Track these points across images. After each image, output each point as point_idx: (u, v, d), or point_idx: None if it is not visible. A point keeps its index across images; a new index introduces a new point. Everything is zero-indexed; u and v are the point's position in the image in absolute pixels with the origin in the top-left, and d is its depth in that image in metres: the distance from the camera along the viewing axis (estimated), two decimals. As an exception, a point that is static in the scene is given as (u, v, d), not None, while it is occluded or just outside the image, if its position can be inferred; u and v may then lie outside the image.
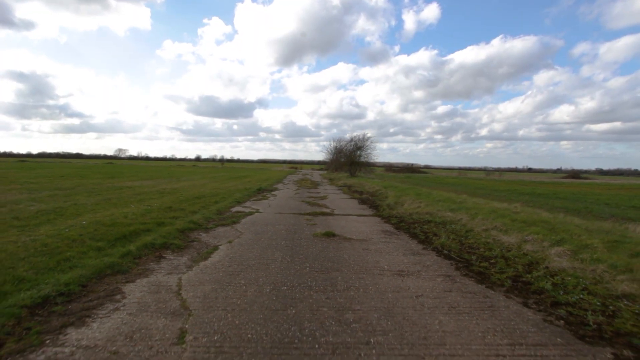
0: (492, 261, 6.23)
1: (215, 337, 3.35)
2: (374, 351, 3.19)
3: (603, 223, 9.18)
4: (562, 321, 3.95)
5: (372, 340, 3.39)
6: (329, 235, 8.25)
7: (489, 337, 3.53)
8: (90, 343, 3.18)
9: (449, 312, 4.12)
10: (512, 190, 29.47)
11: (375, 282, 5.07)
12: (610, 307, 4.24)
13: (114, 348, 3.11)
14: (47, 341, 3.18)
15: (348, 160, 53.33)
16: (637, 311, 4.09)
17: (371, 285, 4.93)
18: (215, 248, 6.76)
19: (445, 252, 6.97)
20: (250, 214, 11.38)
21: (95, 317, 3.70)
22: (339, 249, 6.97)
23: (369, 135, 56.56)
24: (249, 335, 3.41)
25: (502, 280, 5.28)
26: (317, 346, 3.25)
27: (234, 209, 12.21)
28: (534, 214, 10.24)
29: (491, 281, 5.27)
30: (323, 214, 11.92)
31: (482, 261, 6.25)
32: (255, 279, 5.07)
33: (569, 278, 5.19)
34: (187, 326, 3.55)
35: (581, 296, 4.57)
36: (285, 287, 4.75)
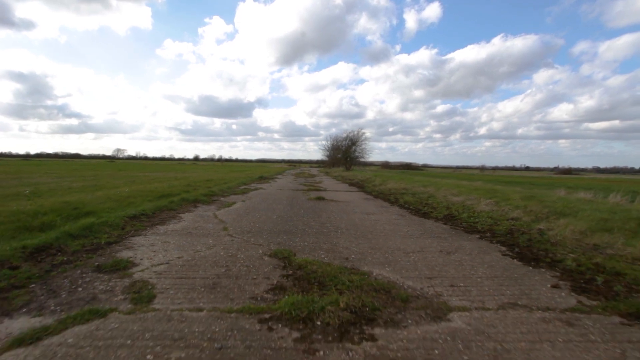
0: (437, 209, 8.51)
1: (245, 229, 5.62)
2: (339, 234, 5.46)
3: (538, 190, 11.47)
4: (462, 229, 6.23)
5: (338, 231, 5.67)
6: (320, 199, 10.52)
7: (411, 231, 5.82)
8: (173, 229, 5.44)
9: (391, 225, 6.40)
10: (493, 180, 31.84)
11: (348, 216, 7.34)
12: (498, 223, 6.53)
13: (188, 230, 5.37)
14: (147, 229, 5.43)
15: (344, 155, 55.68)
16: (512, 224, 6.38)
17: (345, 217, 7.21)
18: (234, 203, 9.02)
19: (406, 206, 9.26)
20: (256, 189, 13.65)
21: (169, 223, 5.96)
22: (326, 205, 9.24)
23: (363, 130, 58.99)
24: (265, 228, 5.69)
25: (437, 216, 7.57)
26: (305, 233, 5.52)
27: (241, 187, 14.45)
28: (488, 186, 12.54)
29: (430, 216, 7.56)
30: (317, 189, 14.20)
31: (430, 209, 8.55)
32: (265, 213, 7.33)
33: (483, 213, 7.47)
34: (227, 226, 5.83)
35: (483, 219, 6.86)
36: (286, 216, 7.02)
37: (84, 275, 3.26)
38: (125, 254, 3.95)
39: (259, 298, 2.81)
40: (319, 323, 2.37)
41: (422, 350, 2.07)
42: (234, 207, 8.19)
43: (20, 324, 2.29)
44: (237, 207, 8.22)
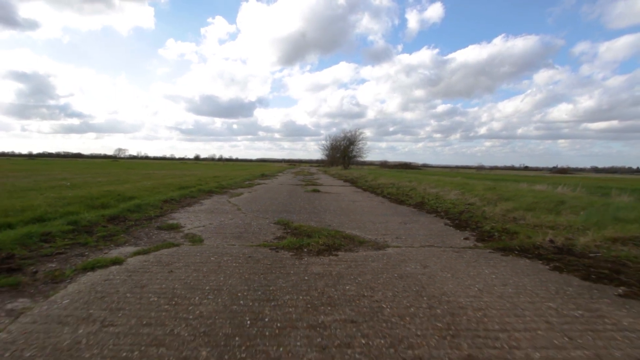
0: (413, 198, 10.14)
1: (254, 209, 7.25)
2: (327, 213, 7.09)
3: (504, 184, 13.09)
4: (425, 211, 7.86)
5: (327, 212, 7.30)
6: (315, 191, 12.17)
7: (384, 212, 7.45)
8: (200, 209, 7.07)
9: (370, 208, 8.03)
10: (482, 177, 33.48)
11: (337, 203, 8.98)
12: (455, 207, 8.14)
13: (211, 210, 7.00)
14: (180, 209, 7.06)
15: (342, 154, 57.34)
16: (467, 207, 8.00)
17: (334, 203, 8.84)
18: (242, 193, 10.66)
19: (389, 196, 10.89)
20: (259, 184, 15.29)
21: (195, 205, 7.59)
22: (320, 195, 10.88)
23: (361, 130, 60.79)
24: (270, 209, 7.32)
25: (411, 203, 9.20)
26: (301, 212, 7.15)
27: (246, 182, 16.10)
28: (463, 181, 14.16)
29: (405, 203, 9.19)
30: (314, 184, 15.84)
31: (407, 198, 10.17)
32: (269, 200, 8.97)
33: (448, 201, 9.10)
34: (240, 207, 7.46)
35: (445, 205, 8.48)
36: (286, 202, 8.65)
37: (151, 231, 4.89)
38: (172, 222, 5.57)
39: (269, 241, 4.44)
40: (305, 250, 3.99)
41: (362, 258, 3.69)
42: (242, 196, 9.83)
43: (129, 249, 3.91)
44: (245, 196, 9.86)
